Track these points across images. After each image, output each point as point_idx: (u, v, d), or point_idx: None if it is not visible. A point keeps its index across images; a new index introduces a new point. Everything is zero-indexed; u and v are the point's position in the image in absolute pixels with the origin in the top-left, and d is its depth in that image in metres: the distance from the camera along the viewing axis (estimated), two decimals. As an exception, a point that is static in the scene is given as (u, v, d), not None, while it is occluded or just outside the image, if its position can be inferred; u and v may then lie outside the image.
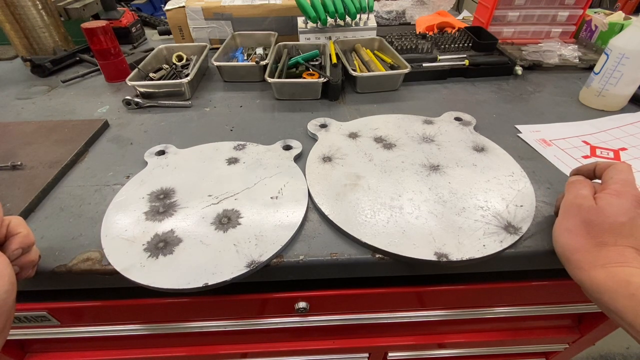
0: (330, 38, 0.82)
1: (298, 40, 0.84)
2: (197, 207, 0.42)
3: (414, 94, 0.69)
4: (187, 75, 0.66)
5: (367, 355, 0.62)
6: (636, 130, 0.57)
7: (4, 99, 0.70)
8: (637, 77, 0.58)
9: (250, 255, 0.36)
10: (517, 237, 0.38)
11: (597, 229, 0.31)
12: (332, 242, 0.39)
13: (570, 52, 0.76)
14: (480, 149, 0.51)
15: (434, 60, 0.75)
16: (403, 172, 0.47)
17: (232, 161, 0.50)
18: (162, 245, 0.37)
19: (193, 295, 0.42)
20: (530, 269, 0.41)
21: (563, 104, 0.65)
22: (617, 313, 0.28)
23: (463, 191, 0.43)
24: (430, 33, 0.88)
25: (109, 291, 0.43)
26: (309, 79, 0.66)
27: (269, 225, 0.39)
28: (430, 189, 0.44)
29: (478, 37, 0.82)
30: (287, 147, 0.52)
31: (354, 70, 0.70)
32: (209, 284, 0.34)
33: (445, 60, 0.75)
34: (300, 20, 0.84)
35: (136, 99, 0.65)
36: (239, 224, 0.40)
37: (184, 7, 0.86)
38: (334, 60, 0.71)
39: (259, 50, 0.82)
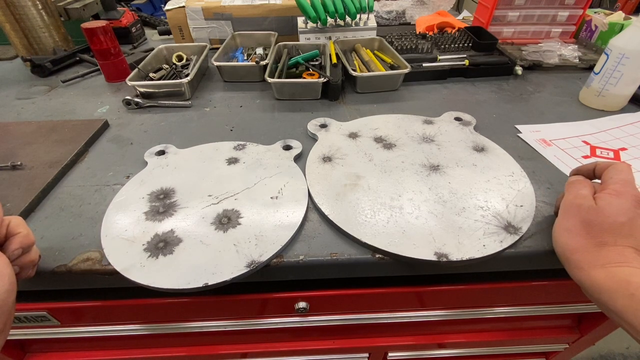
0: (330, 38, 0.82)
1: (298, 40, 0.84)
2: (197, 207, 0.42)
3: (414, 94, 0.69)
4: (187, 75, 0.66)
5: (367, 355, 0.62)
6: (636, 130, 0.57)
7: (4, 99, 0.70)
8: (637, 77, 0.58)
9: (250, 255, 0.36)
10: (517, 237, 0.38)
11: (596, 229, 0.31)
12: (332, 242, 0.39)
13: (570, 52, 0.76)
14: (480, 149, 0.51)
15: (434, 60, 0.75)
16: (403, 172, 0.47)
17: (232, 161, 0.50)
18: (162, 245, 0.37)
19: (193, 295, 0.42)
20: (530, 269, 0.41)
21: (563, 104, 0.65)
22: (617, 313, 0.28)
23: (463, 191, 0.43)
24: (430, 33, 0.88)
25: (109, 291, 0.43)
26: (309, 79, 0.66)
27: (269, 225, 0.39)
28: (430, 189, 0.44)
29: (478, 37, 0.82)
30: (287, 147, 0.52)
31: (354, 70, 0.70)
32: (209, 284, 0.34)
33: (445, 60, 0.75)
34: (300, 20, 0.84)
35: (136, 99, 0.65)
36: (239, 224, 0.40)
37: (184, 7, 0.86)
38: (334, 60, 0.71)
39: (259, 50, 0.82)
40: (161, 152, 0.52)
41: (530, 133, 0.56)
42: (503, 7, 0.81)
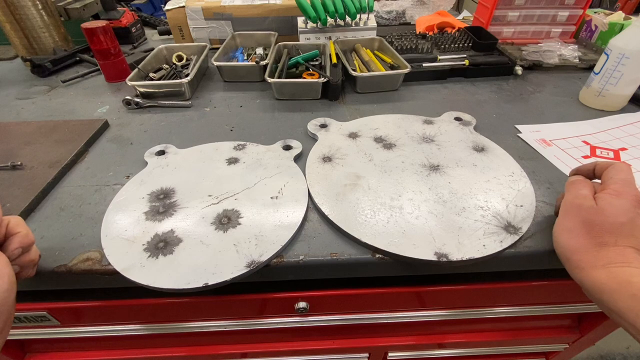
0: (330, 38, 0.82)
1: (298, 40, 0.84)
2: (197, 207, 0.42)
3: (414, 94, 0.69)
4: (187, 75, 0.66)
5: (367, 355, 0.62)
6: (636, 130, 0.57)
7: (4, 99, 0.70)
8: (637, 77, 0.58)
9: (250, 255, 0.36)
10: (517, 237, 0.38)
11: (597, 229, 0.31)
12: (332, 242, 0.39)
13: (570, 52, 0.76)
14: (480, 149, 0.51)
15: (434, 60, 0.75)
16: (403, 172, 0.47)
17: (232, 161, 0.50)
18: (162, 245, 0.37)
19: (193, 295, 0.42)
20: (530, 269, 0.41)
21: (563, 104, 0.65)
22: (617, 313, 0.28)
23: (463, 191, 0.43)
24: (430, 33, 0.88)
25: (109, 291, 0.43)
26: (309, 79, 0.66)
27: (269, 225, 0.39)
28: (430, 189, 0.44)
29: (478, 37, 0.82)
30: (287, 147, 0.52)
31: (354, 70, 0.70)
32: (209, 284, 0.34)
33: (445, 60, 0.75)
34: (300, 20, 0.84)
35: (136, 99, 0.65)
36: (239, 224, 0.40)
37: (184, 7, 0.86)
38: (334, 60, 0.71)
39: (259, 50, 0.82)
40: (161, 152, 0.52)
41: (530, 133, 0.56)
42: (503, 7, 0.81)
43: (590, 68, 0.71)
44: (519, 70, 0.73)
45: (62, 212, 0.43)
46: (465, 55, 0.76)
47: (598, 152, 0.52)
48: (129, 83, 0.64)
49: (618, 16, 0.76)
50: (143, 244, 0.38)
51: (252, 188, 0.45)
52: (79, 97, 0.70)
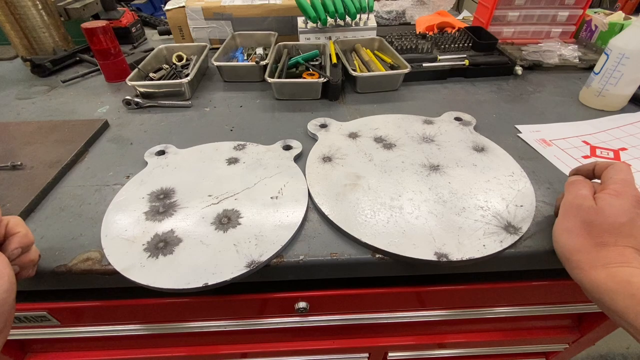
0: (330, 38, 0.82)
1: (298, 40, 0.84)
2: (197, 207, 0.42)
3: (414, 94, 0.69)
4: (187, 75, 0.66)
5: (367, 355, 0.62)
6: (636, 130, 0.57)
7: (4, 99, 0.70)
8: (637, 77, 0.58)
9: (250, 255, 0.36)
10: (517, 237, 0.38)
11: (597, 229, 0.31)
12: (332, 242, 0.39)
13: (570, 52, 0.76)
14: (480, 149, 0.51)
15: (434, 60, 0.75)
16: (403, 172, 0.47)
17: (232, 161, 0.50)
18: (162, 245, 0.37)
19: (193, 295, 0.42)
20: (530, 269, 0.41)
21: (563, 104, 0.65)
22: (617, 313, 0.28)
23: (463, 191, 0.43)
24: (430, 33, 0.88)
25: (109, 291, 0.43)
26: (309, 79, 0.66)
27: (269, 225, 0.39)
28: (430, 189, 0.44)
29: (478, 37, 0.82)
30: (287, 147, 0.52)
31: (354, 70, 0.70)
32: (209, 284, 0.34)
33: (445, 60, 0.75)
34: (300, 20, 0.84)
35: (136, 99, 0.65)
36: (239, 224, 0.40)
37: (184, 7, 0.86)
38: (334, 60, 0.71)
39: (259, 50, 0.82)
40: (161, 152, 0.52)
41: (530, 133, 0.56)
42: (503, 7, 0.81)
43: (590, 68, 0.71)
44: (519, 70, 0.73)
45: (62, 212, 0.43)
46: (465, 55, 0.76)
47: (598, 152, 0.52)
48: (129, 83, 0.64)
49: (618, 16, 0.76)
50: (143, 244, 0.38)
51: (252, 188, 0.45)
52: (79, 97, 0.70)
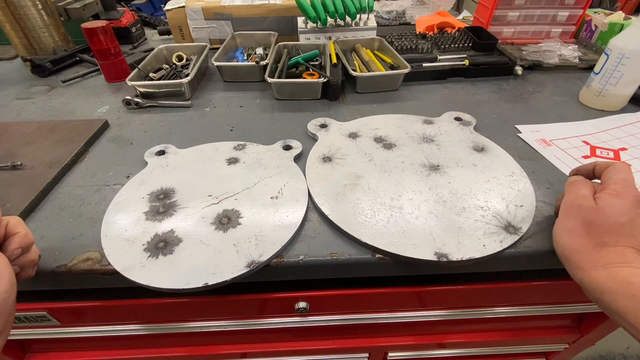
0: (330, 38, 0.82)
1: (298, 40, 0.84)
2: (197, 207, 0.42)
3: (414, 94, 0.69)
4: (187, 75, 0.66)
5: (367, 355, 0.62)
6: (636, 130, 0.57)
7: (4, 99, 0.70)
8: (637, 77, 0.58)
9: (250, 255, 0.36)
10: (517, 237, 0.38)
11: (597, 229, 0.31)
12: (332, 242, 0.39)
13: (570, 52, 0.76)
14: (480, 149, 0.51)
15: (434, 60, 0.75)
16: (403, 172, 0.47)
17: (232, 161, 0.50)
18: (162, 245, 0.37)
19: (193, 295, 0.42)
20: (530, 269, 0.41)
21: (563, 104, 0.65)
22: (617, 313, 0.28)
23: (463, 191, 0.43)
24: (430, 33, 0.88)
25: (109, 291, 0.43)
26: (309, 79, 0.66)
27: (269, 225, 0.39)
28: (430, 189, 0.44)
29: (478, 37, 0.82)
30: (287, 147, 0.52)
31: (354, 70, 0.70)
32: (209, 284, 0.34)
33: (445, 60, 0.75)
34: (300, 20, 0.84)
35: (136, 99, 0.65)
36: (239, 224, 0.40)
37: (184, 7, 0.86)
38: (334, 60, 0.71)
39: (259, 50, 0.82)
40: (161, 152, 0.52)
41: (530, 133, 0.56)
42: (503, 7, 0.81)
43: (590, 68, 0.71)
44: (519, 70, 0.73)
45: (62, 212, 0.43)
46: (465, 55, 0.76)
47: (598, 152, 0.52)
48: (129, 83, 0.64)
49: (618, 16, 0.76)
50: (143, 244, 0.38)
51: (252, 188, 0.45)
52: (79, 97, 0.70)
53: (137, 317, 0.49)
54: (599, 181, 0.36)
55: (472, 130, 0.56)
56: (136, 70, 0.68)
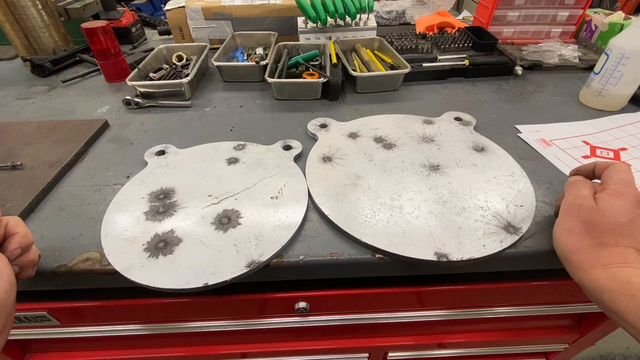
0: (330, 38, 0.82)
1: (298, 40, 0.84)
2: (197, 207, 0.42)
3: (414, 94, 0.69)
4: (187, 75, 0.66)
5: (367, 355, 0.62)
6: (636, 130, 0.57)
7: (4, 99, 0.70)
8: (637, 77, 0.58)
9: (250, 255, 0.36)
10: (517, 237, 0.38)
11: (597, 229, 0.31)
12: (332, 242, 0.39)
13: (570, 52, 0.76)
14: (480, 149, 0.51)
15: (434, 60, 0.75)
16: (403, 172, 0.47)
17: (232, 161, 0.50)
18: (162, 245, 0.37)
19: (193, 295, 0.42)
20: (530, 269, 0.41)
21: (563, 104, 0.65)
22: (617, 313, 0.28)
23: (463, 191, 0.43)
24: (430, 33, 0.88)
25: (109, 291, 0.43)
26: (309, 79, 0.66)
27: (269, 225, 0.39)
28: (430, 189, 0.44)
29: (478, 37, 0.82)
30: (287, 147, 0.52)
31: (354, 70, 0.70)
32: (209, 284, 0.34)
33: (445, 60, 0.75)
34: (300, 20, 0.84)
35: (136, 99, 0.65)
36: (239, 224, 0.40)
37: (184, 7, 0.86)
38: (334, 60, 0.71)
39: (259, 50, 0.82)
40: (161, 152, 0.52)
41: (530, 133, 0.56)
42: (503, 7, 0.81)
43: (590, 68, 0.71)
44: (519, 70, 0.73)
45: (62, 212, 0.43)
46: (465, 55, 0.76)
47: (598, 152, 0.52)
48: (129, 83, 0.64)
49: (618, 16, 0.76)
50: (143, 244, 0.38)
51: (252, 188, 0.45)
52: (79, 97, 0.70)
53: (137, 317, 0.49)
54: (599, 181, 0.36)
55: (472, 130, 0.56)
56: (136, 70, 0.68)
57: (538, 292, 0.49)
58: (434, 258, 0.36)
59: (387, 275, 0.41)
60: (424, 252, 0.36)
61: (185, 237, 0.38)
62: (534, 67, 0.76)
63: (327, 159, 0.49)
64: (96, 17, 0.95)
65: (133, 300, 0.44)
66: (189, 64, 0.76)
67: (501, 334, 0.59)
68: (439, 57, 0.76)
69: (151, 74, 0.71)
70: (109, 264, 0.36)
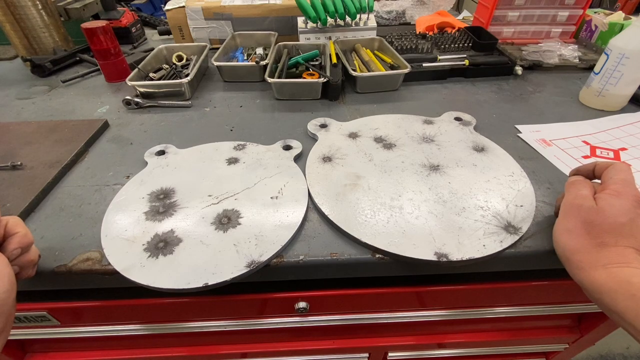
0: (330, 38, 0.82)
1: (298, 40, 0.84)
2: (197, 207, 0.42)
3: (414, 94, 0.69)
4: (187, 75, 0.66)
5: (367, 355, 0.62)
6: (636, 130, 0.57)
7: (4, 99, 0.70)
8: (637, 77, 0.58)
9: (250, 255, 0.36)
10: (517, 237, 0.38)
11: (597, 229, 0.31)
12: (332, 242, 0.39)
13: (570, 52, 0.76)
14: (480, 149, 0.51)
15: (434, 60, 0.75)
16: (403, 172, 0.47)
17: (232, 161, 0.50)
18: (162, 245, 0.37)
19: (193, 295, 0.42)
20: (530, 269, 0.41)
21: (563, 104, 0.65)
22: (617, 313, 0.28)
23: (463, 191, 0.43)
24: (430, 33, 0.88)
25: (109, 291, 0.43)
26: (309, 79, 0.66)
27: (269, 225, 0.39)
28: (430, 189, 0.44)
29: (478, 37, 0.82)
30: (287, 147, 0.52)
31: (354, 70, 0.70)
32: (209, 284, 0.34)
33: (445, 60, 0.75)
34: (300, 20, 0.84)
35: (136, 99, 0.65)
36: (239, 224, 0.40)
37: (184, 7, 0.86)
38: (334, 60, 0.71)
39: (259, 50, 0.82)
40: (161, 152, 0.52)
41: (530, 133, 0.56)
42: (503, 7, 0.81)
43: (590, 68, 0.71)
44: (519, 70, 0.73)
45: (62, 212, 0.43)
46: (465, 55, 0.76)
47: (598, 152, 0.52)
48: (129, 83, 0.64)
49: (618, 16, 0.76)
50: (143, 244, 0.38)
51: (252, 188, 0.45)
52: (79, 97, 0.70)
53: (137, 317, 0.49)
54: (599, 181, 0.36)
55: (472, 130, 0.56)
56: (136, 70, 0.68)
57: (538, 292, 0.49)
58: (434, 258, 0.36)
59: (387, 275, 0.41)
60: (424, 252, 0.36)
61: (185, 237, 0.38)
62: (534, 67, 0.76)
63: (327, 159, 0.49)
64: (96, 17, 0.95)
65: (133, 300, 0.44)
66: (189, 64, 0.76)
67: (501, 334, 0.59)
68: (439, 57, 0.76)
69: (151, 74, 0.71)
70: (109, 264, 0.36)
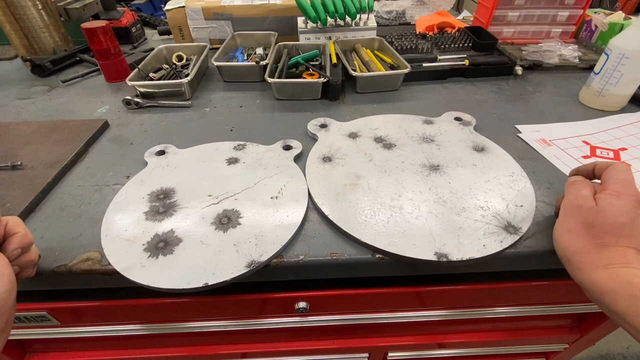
0: (330, 38, 0.82)
1: (298, 40, 0.84)
2: (197, 207, 0.42)
3: (414, 94, 0.69)
4: (187, 75, 0.66)
5: (367, 355, 0.62)
6: (636, 130, 0.57)
7: (4, 99, 0.70)
8: (637, 77, 0.58)
9: (250, 255, 0.36)
10: (517, 237, 0.38)
11: (597, 229, 0.31)
12: (332, 242, 0.39)
13: (570, 52, 0.76)
14: (480, 149, 0.51)
15: (434, 60, 0.75)
16: (403, 172, 0.47)
17: (232, 161, 0.50)
18: (162, 245, 0.37)
19: (193, 295, 0.42)
20: (530, 269, 0.41)
21: (563, 104, 0.65)
22: (618, 314, 0.28)
23: (463, 191, 0.43)
24: (430, 33, 0.88)
25: (109, 291, 0.43)
26: (309, 79, 0.66)
27: (269, 225, 0.39)
28: (430, 189, 0.44)
29: (478, 37, 0.82)
30: (287, 147, 0.52)
31: (354, 70, 0.70)
32: (209, 284, 0.34)
33: (445, 60, 0.75)
34: (300, 20, 0.84)
35: (136, 99, 0.65)
36: (239, 224, 0.40)
37: (184, 7, 0.86)
38: (334, 60, 0.71)
39: (259, 50, 0.82)
40: (161, 152, 0.52)
41: (530, 133, 0.56)
42: (503, 7, 0.81)
43: (590, 68, 0.71)
44: (519, 70, 0.73)
45: (62, 212, 0.43)
46: (465, 55, 0.76)
47: (598, 152, 0.52)
48: (129, 83, 0.64)
49: (618, 16, 0.76)
50: (143, 244, 0.38)
51: (252, 188, 0.45)
52: (79, 97, 0.70)
53: (137, 317, 0.49)
54: (599, 181, 0.36)
55: (472, 130, 0.56)
56: (136, 70, 0.68)
57: (538, 292, 0.49)
58: (434, 258, 0.36)
59: (387, 275, 0.41)
60: (424, 252, 0.36)
61: (185, 237, 0.38)
62: (534, 67, 0.76)
63: (327, 159, 0.49)
64: (96, 17, 0.95)
65: (133, 300, 0.44)
66: (189, 64, 0.76)
67: (501, 334, 0.59)
68: (439, 57, 0.76)
69: (151, 74, 0.71)
70: (109, 264, 0.36)
